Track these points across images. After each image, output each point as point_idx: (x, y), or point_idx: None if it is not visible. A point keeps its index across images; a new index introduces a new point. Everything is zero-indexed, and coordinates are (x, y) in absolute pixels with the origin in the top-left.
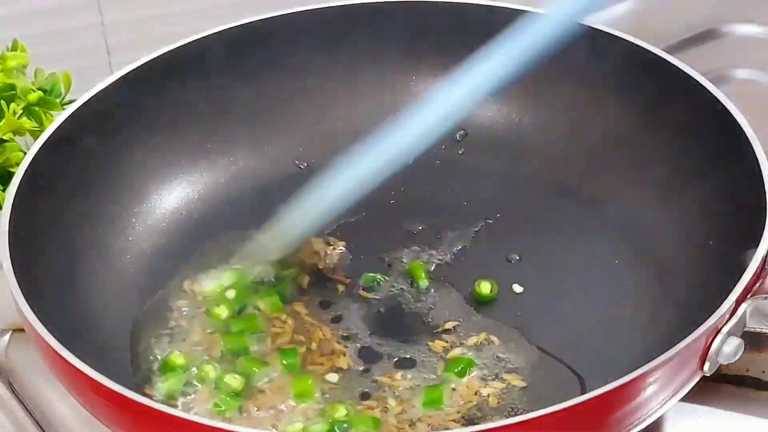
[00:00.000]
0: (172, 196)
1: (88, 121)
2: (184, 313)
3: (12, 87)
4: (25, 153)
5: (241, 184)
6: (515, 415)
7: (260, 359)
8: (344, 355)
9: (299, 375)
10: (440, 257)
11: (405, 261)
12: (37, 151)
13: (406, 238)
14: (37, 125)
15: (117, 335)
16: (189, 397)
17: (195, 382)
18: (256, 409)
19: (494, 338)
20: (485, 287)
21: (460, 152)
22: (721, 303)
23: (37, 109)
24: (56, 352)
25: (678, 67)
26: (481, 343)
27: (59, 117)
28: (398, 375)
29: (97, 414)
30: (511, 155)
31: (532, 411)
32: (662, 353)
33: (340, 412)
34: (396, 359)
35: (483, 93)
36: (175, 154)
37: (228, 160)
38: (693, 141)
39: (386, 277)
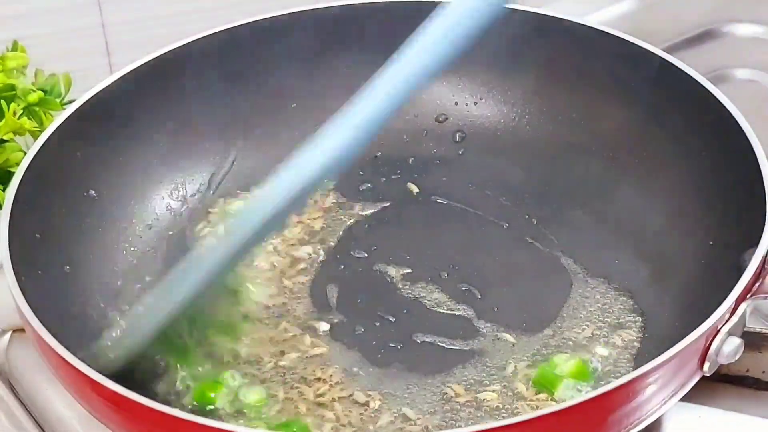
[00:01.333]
0: (172, 196)
1: (88, 121)
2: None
3: (12, 87)
4: (25, 153)
5: (241, 184)
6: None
7: None
8: None
9: None
10: (440, 257)
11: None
12: (37, 151)
13: (406, 239)
14: (37, 125)
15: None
16: None
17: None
18: None
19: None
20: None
21: (460, 152)
22: (721, 303)
23: (37, 109)
24: (56, 352)
25: (678, 67)
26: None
27: (59, 117)
28: None
29: (96, 414)
30: (510, 155)
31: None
32: (662, 353)
33: None
34: None
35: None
36: (174, 154)
37: (227, 160)
38: (693, 141)
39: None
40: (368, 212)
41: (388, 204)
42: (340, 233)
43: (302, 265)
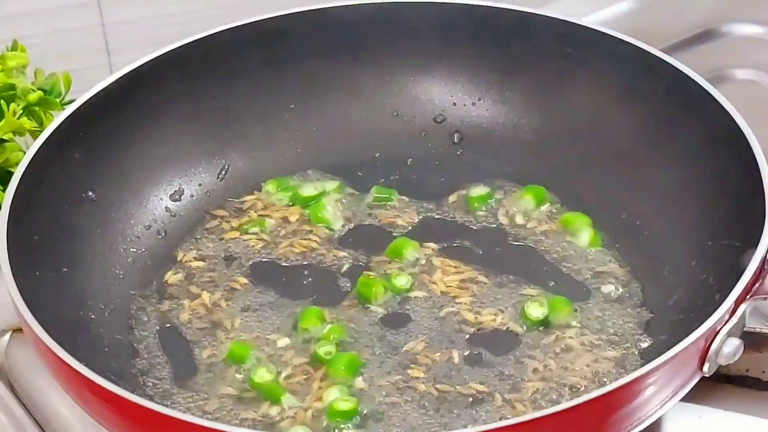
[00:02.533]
0: (171, 197)
1: (88, 121)
2: (183, 312)
3: (12, 87)
4: (25, 153)
5: (240, 185)
6: None
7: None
8: None
9: None
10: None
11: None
12: (37, 151)
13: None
14: (37, 125)
15: (115, 335)
16: None
17: None
18: None
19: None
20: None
21: (459, 153)
22: (721, 303)
23: (37, 109)
24: (53, 352)
25: (678, 68)
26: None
27: (59, 117)
28: None
29: (94, 414)
30: (508, 156)
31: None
32: (662, 354)
33: None
34: None
35: None
36: (173, 155)
37: (226, 160)
38: (692, 141)
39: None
40: (367, 213)
41: (387, 206)
42: (337, 235)
43: (303, 260)
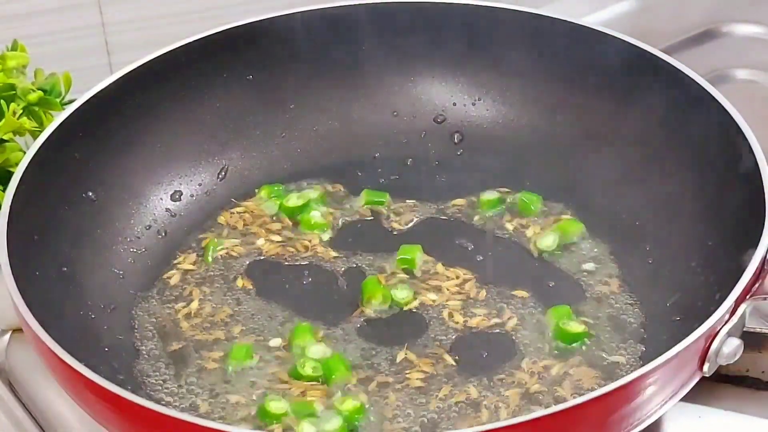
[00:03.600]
0: (170, 197)
1: (88, 121)
2: (183, 312)
3: (12, 87)
4: (25, 153)
5: (239, 185)
6: None
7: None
8: None
9: None
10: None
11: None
12: (37, 151)
13: (404, 240)
14: (37, 125)
15: (115, 336)
16: None
17: None
18: None
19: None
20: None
21: (459, 153)
22: (721, 304)
23: (37, 109)
24: (53, 352)
25: (678, 68)
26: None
27: (59, 117)
28: None
29: (93, 414)
30: (509, 155)
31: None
32: (662, 354)
33: None
34: None
35: None
36: (173, 155)
37: (225, 161)
38: (693, 141)
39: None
40: (367, 213)
41: (386, 207)
42: (336, 235)
43: (303, 261)
